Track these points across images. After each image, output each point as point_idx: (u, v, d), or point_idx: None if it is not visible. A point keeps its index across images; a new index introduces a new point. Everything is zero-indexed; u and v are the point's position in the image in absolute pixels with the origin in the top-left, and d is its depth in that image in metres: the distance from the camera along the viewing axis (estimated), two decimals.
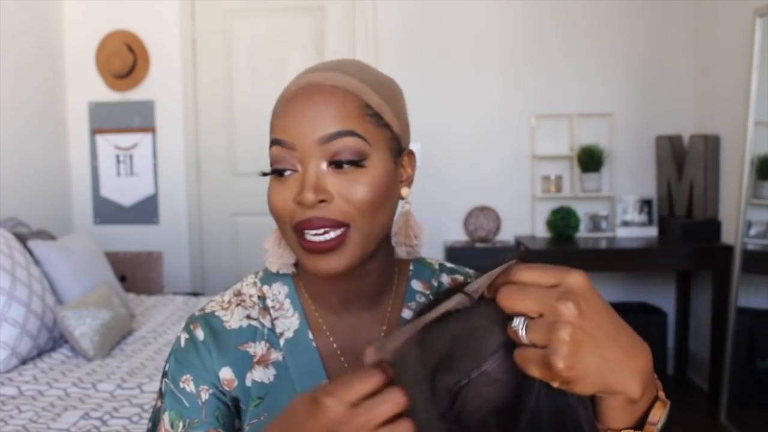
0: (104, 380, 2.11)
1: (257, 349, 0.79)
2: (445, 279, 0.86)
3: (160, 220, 3.71)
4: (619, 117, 3.50)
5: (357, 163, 0.71)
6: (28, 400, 1.98)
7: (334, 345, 0.80)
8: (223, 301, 0.82)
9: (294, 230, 0.71)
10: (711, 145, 3.15)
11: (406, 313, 0.82)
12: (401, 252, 0.82)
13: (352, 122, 0.71)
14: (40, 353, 2.36)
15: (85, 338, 2.31)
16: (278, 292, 0.82)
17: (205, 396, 0.77)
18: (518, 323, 0.50)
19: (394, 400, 0.52)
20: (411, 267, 0.86)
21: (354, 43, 3.57)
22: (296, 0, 3.63)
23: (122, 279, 3.34)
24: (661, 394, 0.56)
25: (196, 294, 3.35)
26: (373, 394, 0.53)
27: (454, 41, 3.53)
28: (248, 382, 0.78)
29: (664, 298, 3.53)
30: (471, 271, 0.88)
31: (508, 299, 0.51)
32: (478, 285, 0.55)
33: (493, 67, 3.54)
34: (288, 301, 0.81)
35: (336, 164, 0.70)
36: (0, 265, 2.27)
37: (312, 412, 0.54)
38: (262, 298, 0.82)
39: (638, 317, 3.29)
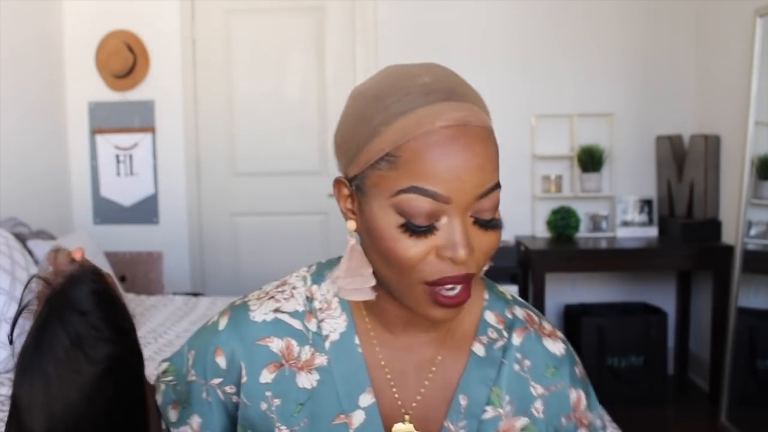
0: None
1: (291, 351, 0.76)
2: (519, 312, 0.80)
3: (160, 220, 3.70)
4: (619, 117, 3.50)
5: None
6: None
7: (380, 356, 0.77)
8: (264, 291, 0.81)
9: (427, 283, 0.65)
10: (711, 145, 3.15)
11: (477, 348, 0.77)
12: None
13: (498, 172, 0.66)
14: None
15: None
16: (327, 291, 0.79)
17: (189, 378, 0.79)
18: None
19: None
20: (486, 296, 0.80)
21: (354, 43, 3.57)
22: (296, 0, 3.63)
23: (122, 279, 3.34)
24: None
25: (196, 294, 3.35)
26: None
27: (454, 41, 3.52)
28: (262, 379, 0.75)
29: (664, 298, 3.53)
30: (534, 309, 0.83)
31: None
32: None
33: (493, 67, 3.53)
34: (336, 300, 0.78)
35: (482, 223, 0.65)
36: (0, 265, 2.27)
37: None
38: (310, 299, 0.78)
39: (638, 317, 3.29)
